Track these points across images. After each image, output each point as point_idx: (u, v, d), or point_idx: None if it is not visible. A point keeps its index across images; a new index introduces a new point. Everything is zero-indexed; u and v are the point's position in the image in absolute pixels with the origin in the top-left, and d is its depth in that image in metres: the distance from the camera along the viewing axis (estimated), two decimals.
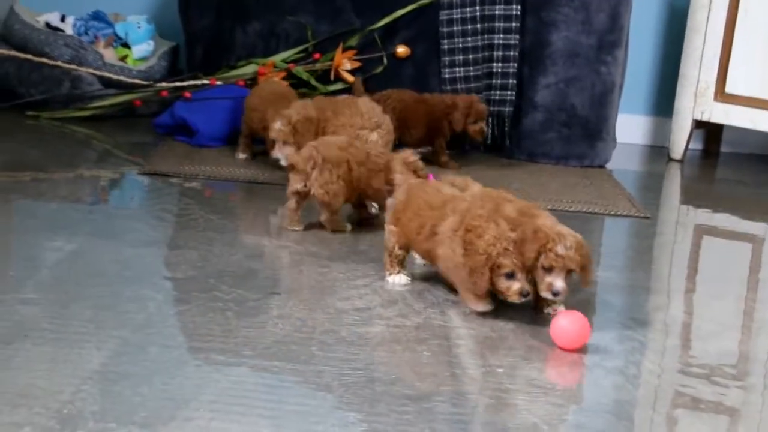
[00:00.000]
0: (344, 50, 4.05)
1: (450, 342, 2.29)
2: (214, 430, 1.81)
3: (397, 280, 2.62)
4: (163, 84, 4.11)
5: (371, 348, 2.22)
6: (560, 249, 2.36)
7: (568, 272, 2.40)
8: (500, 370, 2.17)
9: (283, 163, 3.23)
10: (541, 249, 2.36)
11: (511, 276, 2.38)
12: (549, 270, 2.38)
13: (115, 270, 2.56)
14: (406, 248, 2.62)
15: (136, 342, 2.15)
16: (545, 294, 2.40)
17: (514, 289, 2.39)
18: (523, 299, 2.40)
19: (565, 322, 2.29)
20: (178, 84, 4.07)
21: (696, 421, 2.06)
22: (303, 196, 2.93)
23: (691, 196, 4.06)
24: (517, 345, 2.31)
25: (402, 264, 2.63)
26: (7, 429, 1.75)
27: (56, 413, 1.81)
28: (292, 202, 2.95)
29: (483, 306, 2.45)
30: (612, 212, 3.45)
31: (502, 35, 4.00)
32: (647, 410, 2.10)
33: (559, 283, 2.38)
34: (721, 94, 4.22)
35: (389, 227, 2.62)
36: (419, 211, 2.55)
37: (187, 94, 3.97)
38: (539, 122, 4.06)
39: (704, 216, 3.70)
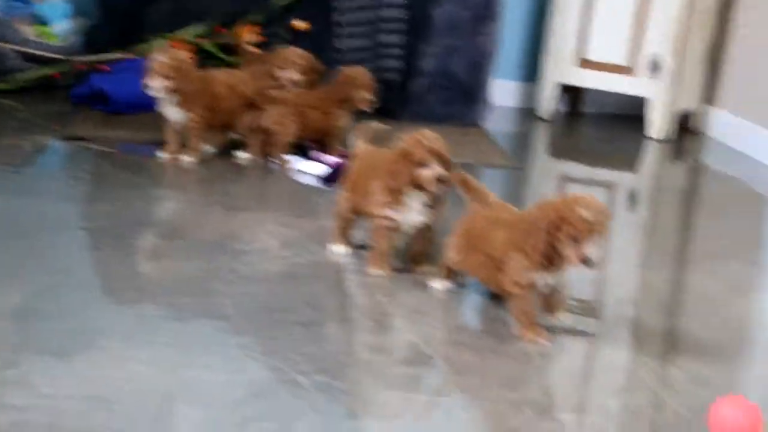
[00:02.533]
0: (250, 25, 4.00)
1: (341, 277, 2.30)
2: (126, 357, 1.81)
3: (339, 250, 2.44)
4: (81, 58, 4.01)
5: (269, 283, 2.23)
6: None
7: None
8: (384, 299, 2.20)
9: None
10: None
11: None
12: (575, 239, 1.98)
13: (36, 223, 2.51)
14: (357, 213, 2.44)
15: (53, 284, 2.12)
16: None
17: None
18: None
19: (734, 413, 1.66)
20: (94, 58, 3.98)
21: (558, 341, 2.11)
22: None
23: (556, 151, 4.12)
24: (401, 279, 2.32)
25: (346, 233, 2.46)
26: None
27: None
28: None
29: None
30: (487, 164, 3.49)
31: (388, 8, 3.99)
32: (512, 329, 2.14)
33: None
34: (581, 60, 4.29)
35: (342, 194, 2.46)
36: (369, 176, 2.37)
37: (106, 68, 3.89)
38: (424, 87, 4.07)
39: (568, 167, 3.77)
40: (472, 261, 2.17)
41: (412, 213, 2.28)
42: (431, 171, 2.22)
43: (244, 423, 1.63)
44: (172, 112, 3.14)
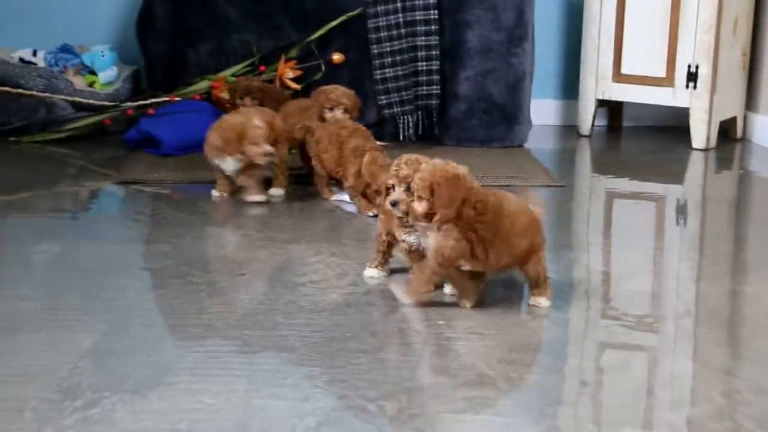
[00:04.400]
0: (286, 61, 4.08)
1: (396, 303, 2.33)
2: (195, 390, 1.85)
3: (371, 273, 2.50)
4: (129, 103, 4.11)
5: (328, 313, 2.27)
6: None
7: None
8: (441, 322, 2.22)
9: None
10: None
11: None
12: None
13: (98, 265, 2.58)
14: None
15: (121, 324, 2.17)
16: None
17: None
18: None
19: None
20: (141, 102, 4.08)
21: (617, 355, 2.13)
22: None
23: (600, 166, 4.14)
24: (454, 300, 2.36)
25: (385, 256, 2.51)
26: (15, 403, 1.79)
27: (57, 387, 1.84)
28: None
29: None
30: (532, 183, 3.51)
31: (423, 37, 4.05)
32: (572, 347, 2.17)
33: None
34: (618, 75, 4.31)
35: (380, 217, 2.52)
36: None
37: (151, 111, 3.99)
38: (462, 111, 4.12)
39: (612, 182, 3.78)
40: None
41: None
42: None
43: None
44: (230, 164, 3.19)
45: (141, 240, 2.90)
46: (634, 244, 2.91)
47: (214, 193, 3.25)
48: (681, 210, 3.38)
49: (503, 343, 2.13)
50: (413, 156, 2.33)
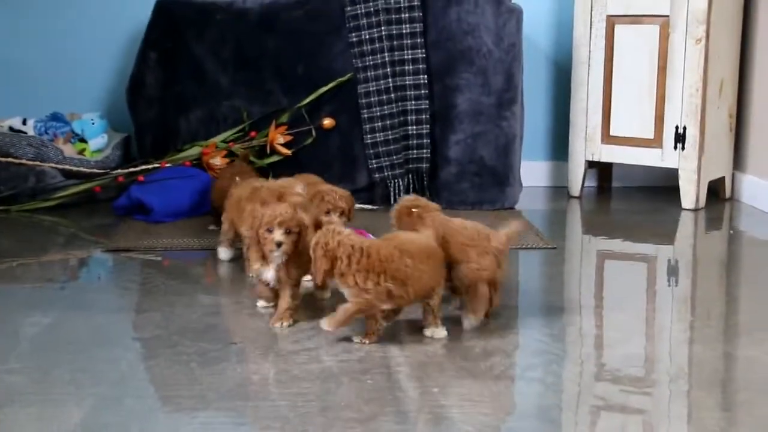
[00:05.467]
0: (277, 127, 4.10)
1: (390, 370, 2.32)
2: None
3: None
4: (119, 171, 4.12)
5: (321, 381, 2.25)
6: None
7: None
8: (435, 389, 2.21)
9: None
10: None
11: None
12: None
13: (88, 336, 2.56)
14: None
15: (112, 396, 2.15)
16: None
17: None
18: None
19: None
20: (132, 169, 4.09)
21: (612, 420, 2.11)
22: None
23: (591, 227, 4.14)
24: (448, 366, 2.35)
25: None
26: None
27: None
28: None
29: None
30: (524, 246, 3.52)
31: (413, 101, 4.09)
32: (568, 413, 2.15)
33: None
34: (607, 136, 4.35)
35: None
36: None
37: (141, 178, 3.99)
38: (453, 174, 4.14)
39: (603, 242, 3.79)
40: None
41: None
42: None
43: None
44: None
45: (132, 309, 2.88)
46: (626, 305, 2.90)
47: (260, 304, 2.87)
48: (672, 271, 3.38)
49: (498, 410, 2.12)
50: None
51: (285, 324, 2.61)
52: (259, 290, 2.77)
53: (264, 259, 2.62)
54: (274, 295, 2.71)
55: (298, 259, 2.63)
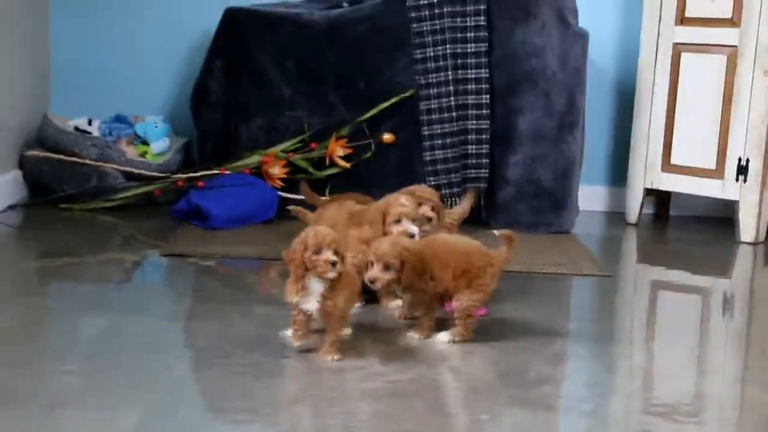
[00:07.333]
0: (337, 139, 4.12)
1: (442, 393, 2.32)
2: None
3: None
4: (179, 175, 4.17)
5: (373, 401, 2.25)
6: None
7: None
8: (485, 416, 2.20)
9: None
10: None
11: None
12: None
13: (143, 341, 2.59)
14: None
15: (166, 404, 2.18)
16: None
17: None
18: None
19: None
20: (192, 174, 4.13)
21: None
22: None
23: (647, 256, 4.11)
24: (500, 393, 2.34)
25: None
26: None
27: None
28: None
29: None
30: (578, 272, 3.49)
31: (474, 121, 4.09)
32: None
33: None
34: (667, 165, 4.31)
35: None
36: None
37: (201, 183, 4.04)
38: (511, 195, 4.12)
39: (659, 272, 3.75)
40: None
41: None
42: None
43: None
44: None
45: (186, 317, 2.91)
46: (678, 339, 2.87)
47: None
48: (728, 305, 3.34)
49: None
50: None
51: (336, 358, 2.49)
52: (296, 324, 2.55)
53: (304, 289, 2.47)
54: (308, 330, 2.55)
55: (345, 289, 2.50)
